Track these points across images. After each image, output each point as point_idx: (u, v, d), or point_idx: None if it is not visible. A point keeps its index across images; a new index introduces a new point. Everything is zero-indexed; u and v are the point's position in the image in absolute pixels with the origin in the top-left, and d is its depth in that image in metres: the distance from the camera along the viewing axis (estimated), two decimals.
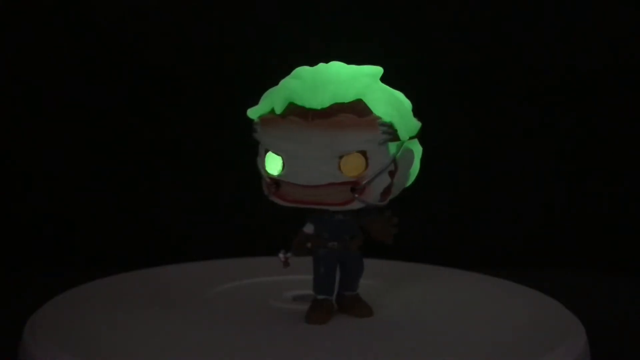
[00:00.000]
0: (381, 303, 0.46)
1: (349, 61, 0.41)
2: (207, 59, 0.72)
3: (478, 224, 0.72)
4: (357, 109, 0.38)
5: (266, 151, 0.40)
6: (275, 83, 0.42)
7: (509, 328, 0.43)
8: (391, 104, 0.39)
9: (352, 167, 0.38)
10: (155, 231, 0.71)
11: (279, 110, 0.39)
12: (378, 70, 0.40)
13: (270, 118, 0.39)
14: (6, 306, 0.56)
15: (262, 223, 0.72)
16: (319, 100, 0.38)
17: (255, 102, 0.42)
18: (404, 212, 0.43)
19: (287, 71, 0.42)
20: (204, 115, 0.72)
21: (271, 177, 0.40)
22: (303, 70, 0.40)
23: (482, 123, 0.71)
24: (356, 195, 0.38)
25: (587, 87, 0.72)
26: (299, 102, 0.39)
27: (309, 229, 0.42)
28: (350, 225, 0.42)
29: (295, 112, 0.38)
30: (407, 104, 0.41)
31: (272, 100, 0.40)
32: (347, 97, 0.38)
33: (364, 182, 0.38)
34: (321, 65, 0.40)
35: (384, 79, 0.41)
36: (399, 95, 0.41)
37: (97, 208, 0.72)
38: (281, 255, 0.42)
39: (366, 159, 0.38)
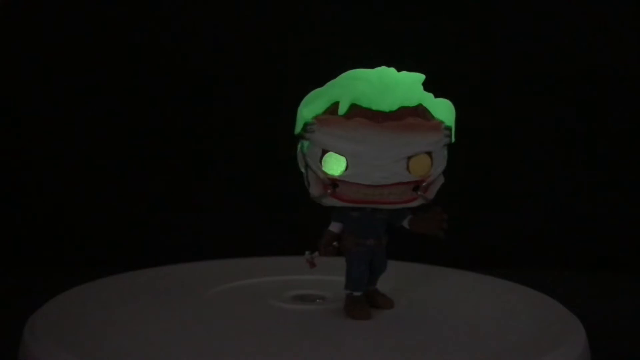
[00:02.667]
0: None
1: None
2: (201, 58, 0.72)
3: (478, 224, 0.72)
4: (421, 113, 0.40)
5: (324, 152, 0.40)
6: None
7: (509, 328, 0.43)
8: (448, 109, 0.41)
9: (420, 167, 0.40)
10: (155, 231, 0.71)
11: (343, 111, 0.39)
12: (423, 77, 0.42)
13: (331, 119, 0.40)
14: (7, 306, 0.56)
15: (263, 223, 0.72)
16: (389, 103, 0.39)
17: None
18: None
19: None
20: (203, 116, 0.72)
21: (330, 178, 0.40)
22: (366, 73, 0.41)
23: (483, 123, 0.71)
24: (420, 193, 0.40)
25: (587, 89, 0.72)
26: (365, 104, 0.39)
27: (336, 227, 0.42)
28: (385, 223, 0.43)
29: (361, 113, 0.39)
30: None
31: (330, 100, 0.40)
32: (413, 101, 0.40)
33: (428, 181, 0.40)
34: (380, 69, 0.41)
35: None
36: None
37: (98, 208, 0.72)
38: (307, 255, 0.42)
39: (431, 159, 0.40)
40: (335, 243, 0.42)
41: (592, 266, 0.70)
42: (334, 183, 0.40)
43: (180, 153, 0.73)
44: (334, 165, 0.40)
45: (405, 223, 0.43)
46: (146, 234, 0.71)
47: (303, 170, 0.42)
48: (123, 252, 0.70)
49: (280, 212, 0.72)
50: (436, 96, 0.42)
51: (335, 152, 0.40)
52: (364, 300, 0.43)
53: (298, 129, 0.41)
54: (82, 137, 0.71)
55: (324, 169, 0.40)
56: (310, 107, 0.40)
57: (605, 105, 0.72)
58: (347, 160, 0.39)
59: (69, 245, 0.71)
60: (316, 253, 0.42)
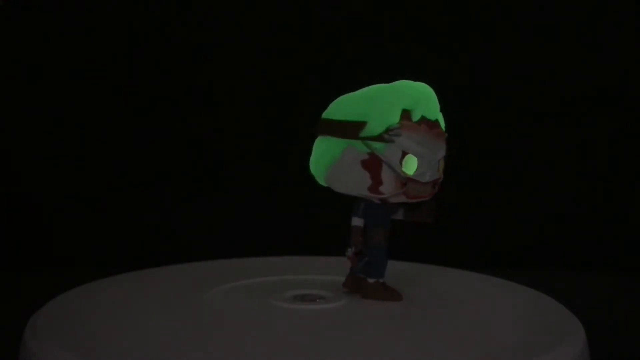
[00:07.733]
0: (381, 302, 0.46)
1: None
2: (206, 59, 0.72)
3: (478, 224, 0.72)
4: (439, 123, 0.46)
5: (404, 153, 0.44)
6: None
7: (509, 328, 0.43)
8: (443, 121, 0.46)
9: (442, 167, 0.46)
10: (155, 231, 0.71)
11: (416, 118, 0.44)
12: None
13: (410, 124, 0.44)
14: (7, 306, 0.56)
15: (262, 223, 0.72)
16: (435, 113, 0.46)
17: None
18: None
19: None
20: (203, 117, 0.72)
21: (407, 177, 0.44)
22: (423, 87, 0.46)
23: (483, 125, 0.71)
24: (436, 188, 0.46)
25: (586, 91, 0.72)
26: (424, 113, 0.45)
27: (361, 222, 0.46)
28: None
29: (424, 121, 0.44)
30: None
31: (402, 107, 0.44)
32: (438, 113, 0.46)
33: (441, 179, 0.46)
34: (418, 83, 0.46)
35: None
36: None
37: (98, 208, 0.72)
38: (349, 252, 0.46)
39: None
40: (360, 237, 0.46)
41: (592, 266, 0.70)
42: (406, 181, 0.44)
43: (181, 154, 0.73)
44: (411, 165, 0.44)
45: (400, 215, 0.47)
46: (146, 234, 0.71)
47: (321, 172, 0.45)
48: (123, 252, 0.70)
49: (280, 213, 0.72)
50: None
51: (413, 154, 0.44)
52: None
53: (376, 131, 0.44)
54: (84, 138, 0.71)
55: (403, 169, 0.44)
56: (394, 113, 0.44)
57: (605, 106, 0.72)
58: (417, 161, 0.44)
59: (69, 245, 0.71)
60: (353, 249, 0.45)
